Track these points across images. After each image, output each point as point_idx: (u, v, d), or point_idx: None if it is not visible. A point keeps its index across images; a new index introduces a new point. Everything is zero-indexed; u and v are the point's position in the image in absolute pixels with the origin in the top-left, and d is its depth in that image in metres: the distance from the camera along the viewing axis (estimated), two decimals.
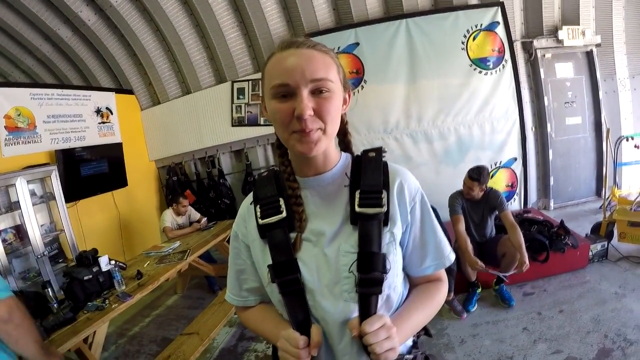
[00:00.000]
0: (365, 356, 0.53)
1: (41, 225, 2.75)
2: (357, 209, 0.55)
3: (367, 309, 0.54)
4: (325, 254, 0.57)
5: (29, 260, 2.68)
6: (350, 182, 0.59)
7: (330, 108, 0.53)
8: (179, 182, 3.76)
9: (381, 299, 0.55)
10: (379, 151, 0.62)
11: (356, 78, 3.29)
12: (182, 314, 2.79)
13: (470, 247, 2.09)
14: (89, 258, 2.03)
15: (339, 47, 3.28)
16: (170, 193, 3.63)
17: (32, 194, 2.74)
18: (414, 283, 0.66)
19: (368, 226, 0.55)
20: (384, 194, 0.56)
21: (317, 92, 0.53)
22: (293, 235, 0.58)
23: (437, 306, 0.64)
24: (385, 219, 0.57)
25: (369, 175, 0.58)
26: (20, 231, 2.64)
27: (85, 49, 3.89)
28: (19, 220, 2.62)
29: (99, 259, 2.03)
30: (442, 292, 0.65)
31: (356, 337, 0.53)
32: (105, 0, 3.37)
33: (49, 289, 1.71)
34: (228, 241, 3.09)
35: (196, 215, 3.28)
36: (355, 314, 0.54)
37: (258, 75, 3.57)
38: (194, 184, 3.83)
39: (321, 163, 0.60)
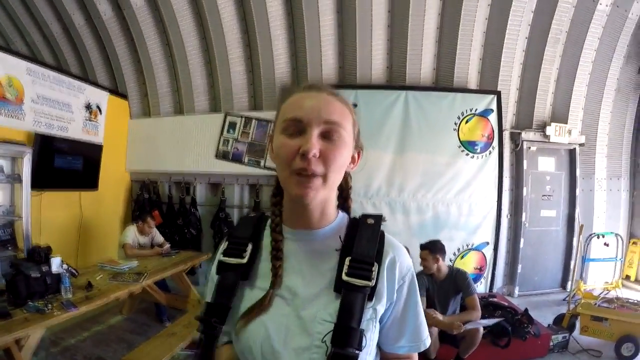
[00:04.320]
0: None
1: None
2: (343, 277, 0.53)
3: None
4: (301, 316, 0.53)
5: None
6: (342, 246, 0.56)
7: (337, 155, 0.52)
8: (149, 200, 3.66)
9: None
10: (379, 219, 0.59)
11: None
12: (124, 337, 2.67)
13: (438, 315, 2.12)
14: (41, 255, 1.96)
15: None
16: (139, 209, 3.53)
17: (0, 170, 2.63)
18: (384, 357, 0.62)
19: (351, 298, 0.52)
20: (375, 267, 0.54)
21: (328, 136, 0.52)
22: (252, 284, 0.57)
23: None
24: (371, 293, 0.53)
25: (364, 243, 0.55)
26: None
27: (92, 41, 3.88)
28: None
29: (51, 258, 1.94)
30: None
31: None
32: (126, 3, 3.38)
33: None
34: (187, 272, 3.04)
35: (160, 238, 3.16)
36: None
37: (253, 113, 3.61)
38: (164, 206, 3.73)
39: (316, 218, 0.57)
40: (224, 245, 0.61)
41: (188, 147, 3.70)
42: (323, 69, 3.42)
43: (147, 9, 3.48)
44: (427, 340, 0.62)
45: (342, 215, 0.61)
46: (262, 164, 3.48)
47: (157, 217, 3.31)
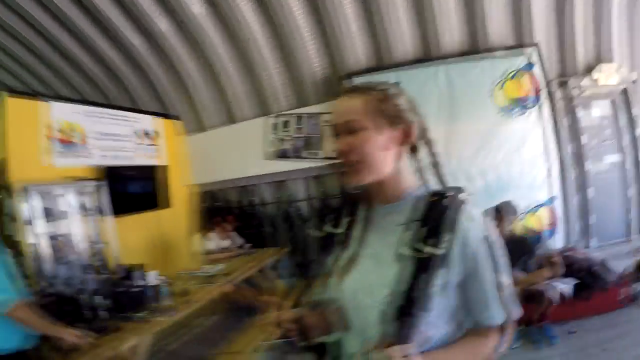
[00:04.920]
0: None
1: (87, 236, 2.88)
2: (415, 245, 0.58)
3: (401, 338, 0.55)
4: (379, 276, 0.61)
5: (73, 269, 2.73)
6: (417, 217, 0.61)
7: (360, 144, 0.62)
8: (220, 208, 3.88)
9: (417, 333, 0.57)
10: (457, 191, 0.62)
11: None
12: (221, 335, 2.86)
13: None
14: (136, 272, 2.20)
15: None
16: (212, 218, 3.71)
17: (81, 205, 2.89)
18: (470, 328, 0.66)
19: (419, 265, 0.57)
20: (447, 237, 0.57)
21: (351, 131, 0.63)
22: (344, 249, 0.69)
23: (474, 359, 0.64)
24: (442, 261, 0.57)
25: (435, 214, 0.59)
26: (67, 240, 2.74)
27: (132, 74, 4.13)
28: (66, 230, 2.75)
29: (146, 273, 2.19)
30: (485, 346, 0.63)
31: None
32: (153, 30, 3.60)
33: (87, 296, 1.85)
34: (269, 268, 3.19)
35: (238, 240, 3.39)
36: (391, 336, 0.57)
37: (302, 110, 3.75)
38: (236, 211, 3.91)
39: (386, 195, 0.67)
40: (329, 217, 0.75)
41: (246, 152, 3.87)
42: (352, 56, 3.47)
43: (174, 35, 3.62)
44: (513, 312, 0.62)
45: (421, 189, 0.67)
46: (320, 155, 3.60)
47: (231, 221, 3.54)
